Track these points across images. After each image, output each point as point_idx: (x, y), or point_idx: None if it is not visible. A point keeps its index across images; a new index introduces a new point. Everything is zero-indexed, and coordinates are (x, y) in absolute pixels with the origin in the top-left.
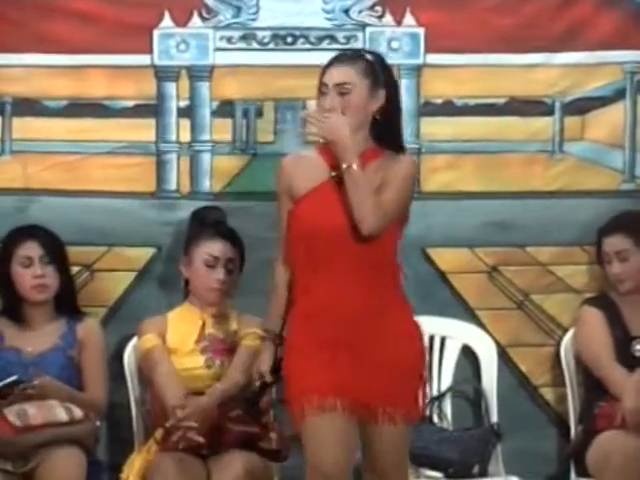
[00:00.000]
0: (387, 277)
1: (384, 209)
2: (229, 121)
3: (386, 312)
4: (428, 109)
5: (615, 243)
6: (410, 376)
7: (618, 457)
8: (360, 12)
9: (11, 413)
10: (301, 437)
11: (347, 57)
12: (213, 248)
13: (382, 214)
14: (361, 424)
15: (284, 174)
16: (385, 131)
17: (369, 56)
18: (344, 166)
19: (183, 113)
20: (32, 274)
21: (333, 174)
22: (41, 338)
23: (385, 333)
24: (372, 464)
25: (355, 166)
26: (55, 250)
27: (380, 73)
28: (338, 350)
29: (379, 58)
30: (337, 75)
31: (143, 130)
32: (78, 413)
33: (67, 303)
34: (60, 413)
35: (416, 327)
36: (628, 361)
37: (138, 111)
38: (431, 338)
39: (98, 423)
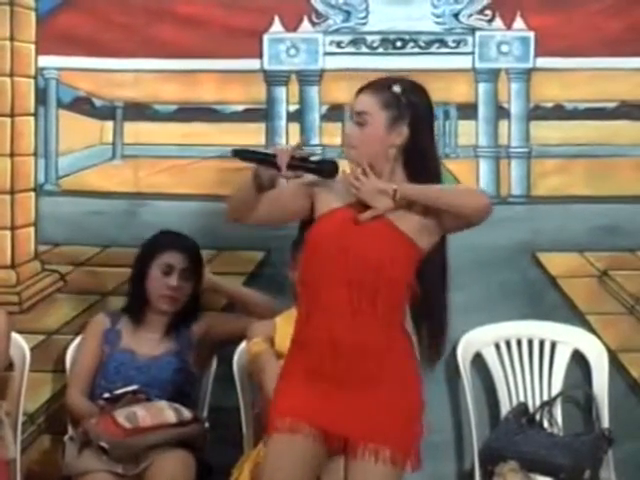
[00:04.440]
0: (394, 316)
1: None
2: (338, 125)
3: (385, 353)
4: (538, 113)
5: None
6: (402, 419)
7: None
8: (470, 16)
9: (121, 415)
10: None
11: (374, 85)
12: None
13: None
14: (345, 462)
15: (314, 180)
16: (416, 167)
17: (397, 88)
18: (393, 193)
19: (292, 117)
20: (167, 284)
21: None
22: (156, 341)
23: (380, 374)
24: None
25: (396, 187)
26: (198, 269)
27: (405, 107)
28: (326, 383)
29: (412, 90)
30: (359, 103)
31: (253, 134)
32: (187, 414)
33: (189, 315)
34: (169, 415)
35: (415, 374)
36: None
37: (248, 115)
38: (541, 343)
39: (207, 425)
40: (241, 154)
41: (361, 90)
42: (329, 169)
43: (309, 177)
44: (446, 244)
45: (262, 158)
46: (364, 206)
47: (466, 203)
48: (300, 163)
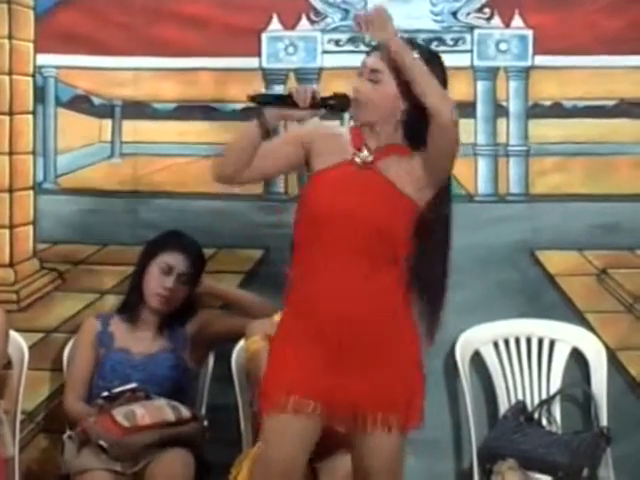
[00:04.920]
0: (394, 277)
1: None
2: (337, 123)
3: (387, 317)
4: (537, 111)
5: None
6: (408, 387)
7: None
8: (468, 14)
9: (119, 414)
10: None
11: None
12: None
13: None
14: (350, 434)
15: (310, 131)
16: (417, 135)
17: (415, 54)
18: (399, 51)
19: None
20: (163, 283)
21: (358, 160)
22: (150, 339)
23: (382, 338)
24: None
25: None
26: (197, 275)
27: None
28: (329, 348)
29: (428, 60)
30: (374, 61)
31: None
32: (186, 413)
33: (182, 315)
34: (168, 413)
35: (418, 341)
36: None
37: (247, 113)
38: (540, 341)
39: (205, 423)
40: (258, 98)
41: (377, 48)
42: (345, 103)
43: (314, 121)
44: (447, 206)
45: (280, 99)
46: (358, 164)
47: (434, 94)
48: (317, 100)
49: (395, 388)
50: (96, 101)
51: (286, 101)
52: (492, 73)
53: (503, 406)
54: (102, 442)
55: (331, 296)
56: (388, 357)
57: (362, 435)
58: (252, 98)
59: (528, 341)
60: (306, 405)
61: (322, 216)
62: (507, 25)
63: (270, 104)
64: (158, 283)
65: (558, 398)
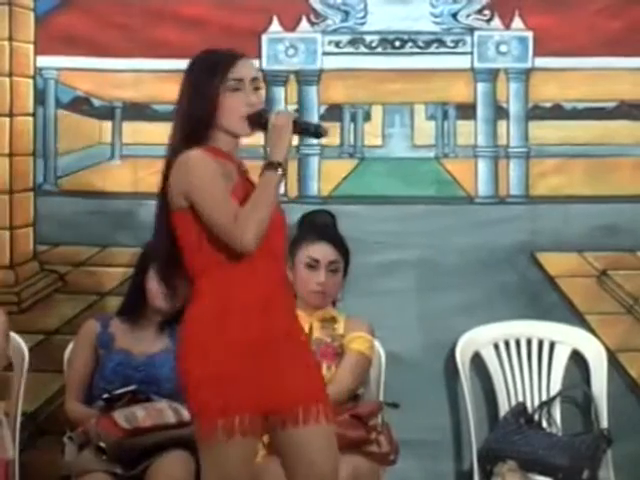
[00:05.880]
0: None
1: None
2: (337, 125)
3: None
4: (536, 113)
5: None
6: (320, 375)
7: None
8: (468, 16)
9: (120, 416)
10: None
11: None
12: (314, 250)
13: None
14: (281, 435)
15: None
16: None
17: None
18: (275, 162)
19: None
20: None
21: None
22: (151, 340)
23: (298, 335)
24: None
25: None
26: None
27: None
28: (266, 351)
29: None
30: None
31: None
32: (186, 415)
33: (183, 314)
34: (169, 415)
35: None
36: None
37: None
38: (540, 343)
39: None
40: (300, 126)
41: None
42: (323, 131)
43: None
44: None
45: (316, 129)
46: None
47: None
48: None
49: (315, 378)
50: (96, 103)
51: (318, 134)
52: (492, 75)
53: (503, 408)
54: (102, 444)
55: (269, 298)
56: (305, 350)
57: (294, 428)
58: (295, 123)
59: (528, 343)
60: (250, 425)
61: None
62: (507, 27)
63: (302, 133)
64: (157, 293)
65: (558, 400)
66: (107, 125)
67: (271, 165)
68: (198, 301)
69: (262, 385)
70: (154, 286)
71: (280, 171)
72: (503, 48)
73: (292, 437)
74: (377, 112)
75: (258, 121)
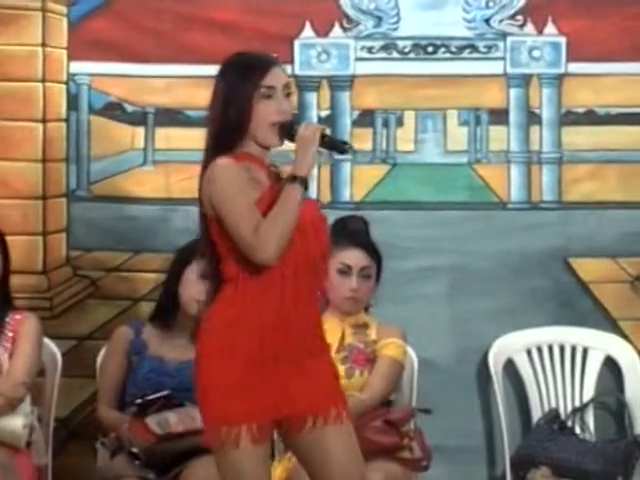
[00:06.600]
0: None
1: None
2: (369, 130)
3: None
4: (570, 118)
5: None
6: (338, 378)
7: None
8: (501, 21)
9: (153, 421)
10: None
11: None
12: (346, 256)
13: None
14: (300, 442)
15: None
16: None
17: None
18: (298, 176)
19: (324, 123)
20: (202, 288)
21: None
22: (185, 346)
23: (318, 350)
24: None
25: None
26: None
27: None
28: (285, 363)
29: None
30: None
31: None
32: None
33: None
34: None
35: None
36: None
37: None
38: (573, 349)
39: None
40: (328, 142)
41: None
42: (348, 148)
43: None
44: None
45: (343, 145)
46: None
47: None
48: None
49: (334, 381)
50: (129, 108)
51: (343, 150)
52: (525, 80)
53: (536, 414)
54: (135, 449)
55: (289, 313)
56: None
57: (313, 431)
58: (323, 137)
59: (561, 349)
60: (262, 432)
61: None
62: (540, 32)
63: (329, 147)
64: (198, 289)
65: (591, 406)
66: (140, 131)
67: (294, 179)
68: (216, 307)
69: (269, 393)
70: (193, 277)
71: (302, 184)
72: (536, 53)
73: (311, 439)
74: (409, 118)
75: (288, 132)
